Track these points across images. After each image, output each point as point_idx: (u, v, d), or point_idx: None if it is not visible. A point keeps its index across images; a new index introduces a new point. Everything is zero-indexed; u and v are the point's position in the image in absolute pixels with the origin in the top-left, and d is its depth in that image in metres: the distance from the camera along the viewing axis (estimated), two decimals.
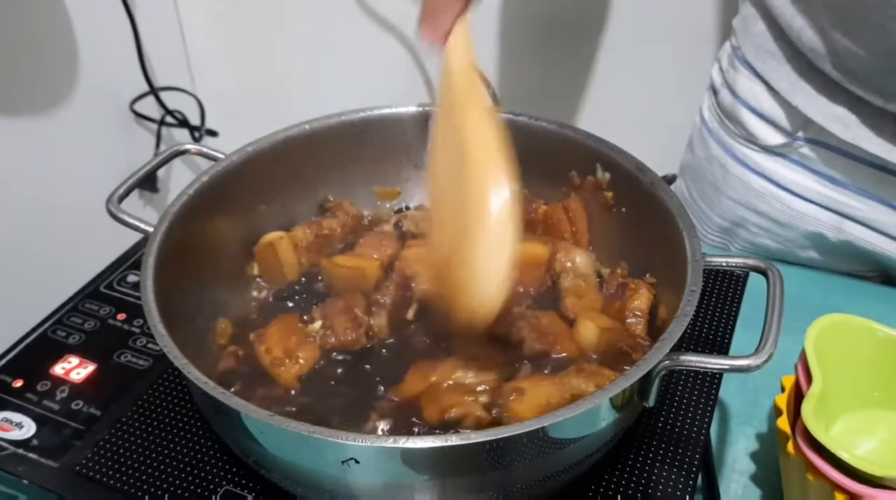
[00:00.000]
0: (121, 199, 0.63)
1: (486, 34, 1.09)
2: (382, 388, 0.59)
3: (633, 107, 1.07)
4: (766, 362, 0.48)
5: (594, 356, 0.61)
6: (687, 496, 0.56)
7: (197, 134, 1.34)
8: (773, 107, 0.76)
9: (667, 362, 0.50)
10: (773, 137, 0.77)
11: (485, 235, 0.53)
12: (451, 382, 0.57)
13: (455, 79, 0.58)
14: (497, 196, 0.53)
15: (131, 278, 0.74)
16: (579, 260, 0.67)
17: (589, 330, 0.62)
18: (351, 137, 0.73)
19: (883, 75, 0.65)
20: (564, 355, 0.61)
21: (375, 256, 0.70)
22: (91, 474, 0.58)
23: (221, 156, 0.67)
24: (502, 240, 0.52)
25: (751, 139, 0.79)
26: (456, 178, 0.56)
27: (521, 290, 0.66)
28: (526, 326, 0.62)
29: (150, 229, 0.60)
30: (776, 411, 0.58)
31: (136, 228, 0.61)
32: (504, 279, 0.52)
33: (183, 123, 1.32)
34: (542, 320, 0.63)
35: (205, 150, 0.69)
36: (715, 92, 0.84)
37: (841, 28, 0.66)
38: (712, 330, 0.69)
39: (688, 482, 0.57)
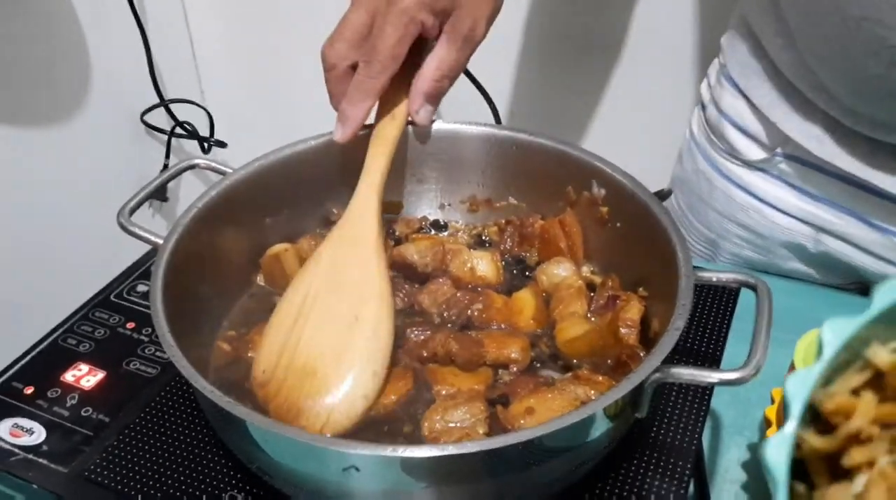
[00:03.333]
0: (131, 212, 0.64)
1: (488, 50, 1.11)
2: None
3: (631, 122, 1.09)
4: (753, 375, 0.50)
5: (575, 361, 0.63)
6: None
7: (206, 145, 1.36)
8: (754, 123, 0.78)
9: (658, 375, 0.51)
10: (755, 153, 0.79)
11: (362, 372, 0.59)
12: (443, 424, 0.58)
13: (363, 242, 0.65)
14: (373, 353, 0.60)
15: (141, 288, 0.76)
16: (564, 270, 0.69)
17: (564, 332, 0.64)
18: (355, 151, 0.74)
19: (852, 97, 0.67)
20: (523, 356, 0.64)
21: None
22: (99, 479, 0.60)
23: (229, 170, 0.69)
24: (377, 379, 0.59)
25: (734, 154, 0.81)
26: (337, 302, 0.62)
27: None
28: (482, 337, 0.64)
29: (160, 241, 0.62)
30: (766, 423, 0.59)
31: (147, 241, 0.63)
32: (366, 407, 0.58)
33: (192, 134, 1.34)
34: (498, 331, 0.66)
35: (213, 164, 0.71)
36: (703, 107, 0.86)
37: (811, 51, 0.67)
38: (705, 342, 0.70)
39: (679, 491, 0.58)
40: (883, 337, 0.37)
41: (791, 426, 0.33)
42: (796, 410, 0.34)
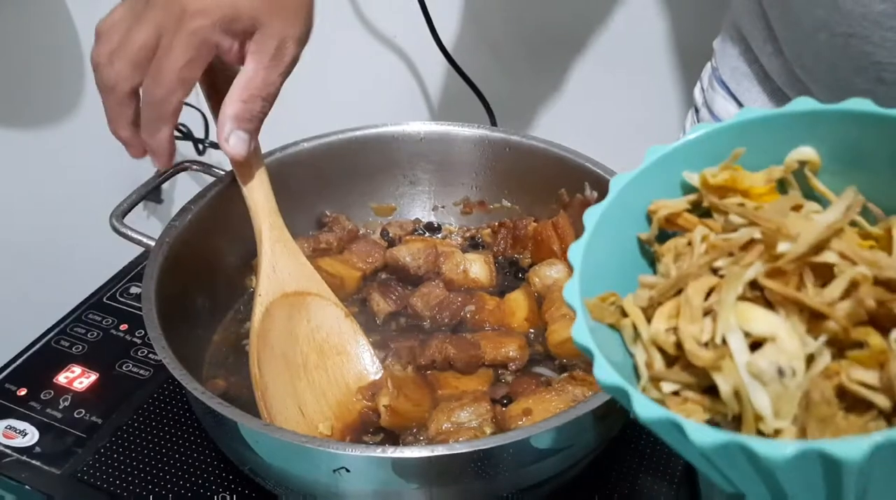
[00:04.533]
0: (124, 214, 0.64)
1: (484, 51, 1.11)
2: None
3: (626, 125, 1.09)
4: None
5: (565, 361, 0.64)
6: None
7: (201, 146, 1.36)
8: None
9: None
10: None
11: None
12: (450, 425, 0.59)
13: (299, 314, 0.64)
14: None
15: (134, 290, 0.76)
16: (557, 272, 0.70)
17: (555, 334, 0.64)
18: (348, 154, 0.74)
19: None
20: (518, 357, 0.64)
21: (360, 265, 0.72)
22: (92, 480, 0.60)
23: (222, 172, 0.69)
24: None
25: None
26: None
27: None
28: (478, 339, 0.65)
29: (152, 243, 0.62)
30: None
31: (139, 243, 0.63)
32: None
33: (187, 135, 1.34)
34: (493, 332, 0.67)
35: (205, 166, 0.71)
36: (696, 110, 0.86)
37: (800, 63, 0.68)
38: None
39: (671, 493, 0.58)
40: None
41: (594, 213, 0.36)
42: (610, 195, 0.37)
